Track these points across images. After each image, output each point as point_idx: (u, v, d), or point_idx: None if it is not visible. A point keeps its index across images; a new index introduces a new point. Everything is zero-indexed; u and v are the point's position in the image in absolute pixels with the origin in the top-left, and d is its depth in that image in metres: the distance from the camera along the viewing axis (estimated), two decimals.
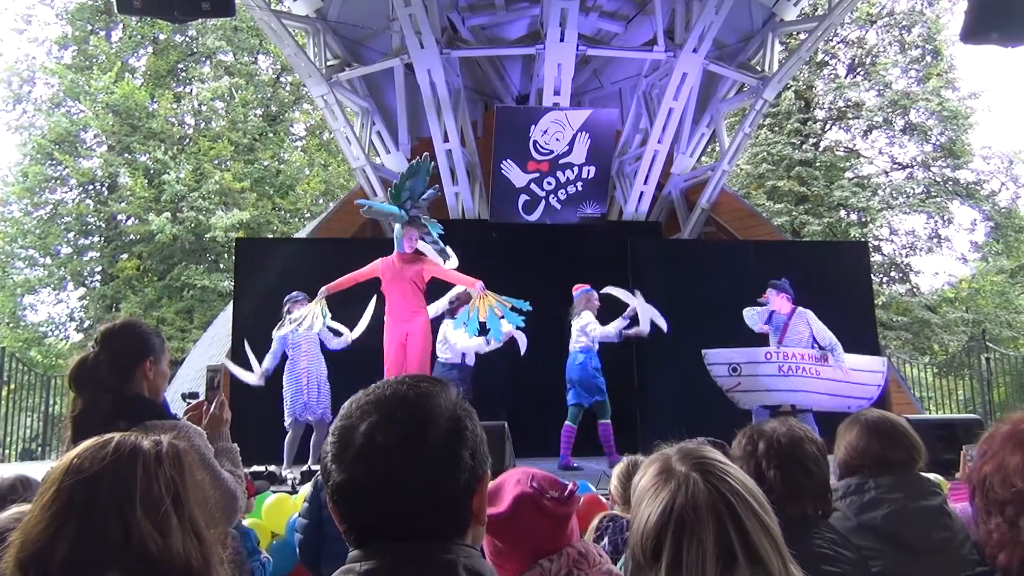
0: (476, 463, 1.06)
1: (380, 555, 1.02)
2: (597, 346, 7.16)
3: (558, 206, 10.43)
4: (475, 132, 10.87)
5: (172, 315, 18.57)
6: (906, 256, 21.83)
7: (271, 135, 21.77)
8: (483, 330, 6.82)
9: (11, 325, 19.65)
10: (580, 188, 10.40)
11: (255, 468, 5.61)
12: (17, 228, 19.40)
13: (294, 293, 6.85)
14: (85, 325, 19.94)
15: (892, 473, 2.12)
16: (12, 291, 19.47)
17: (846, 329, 7.57)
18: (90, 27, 20.89)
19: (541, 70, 10.07)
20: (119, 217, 20.14)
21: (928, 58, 21.57)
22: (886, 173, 22.12)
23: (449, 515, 1.05)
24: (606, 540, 2.66)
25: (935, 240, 21.46)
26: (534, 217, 10.40)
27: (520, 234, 10.19)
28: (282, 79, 22.80)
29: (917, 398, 12.73)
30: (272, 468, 5.98)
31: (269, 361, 6.82)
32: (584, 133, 10.10)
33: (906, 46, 21.74)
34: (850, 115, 21.72)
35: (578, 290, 7.35)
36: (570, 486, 1.67)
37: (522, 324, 6.76)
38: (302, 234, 13.70)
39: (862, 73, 21.90)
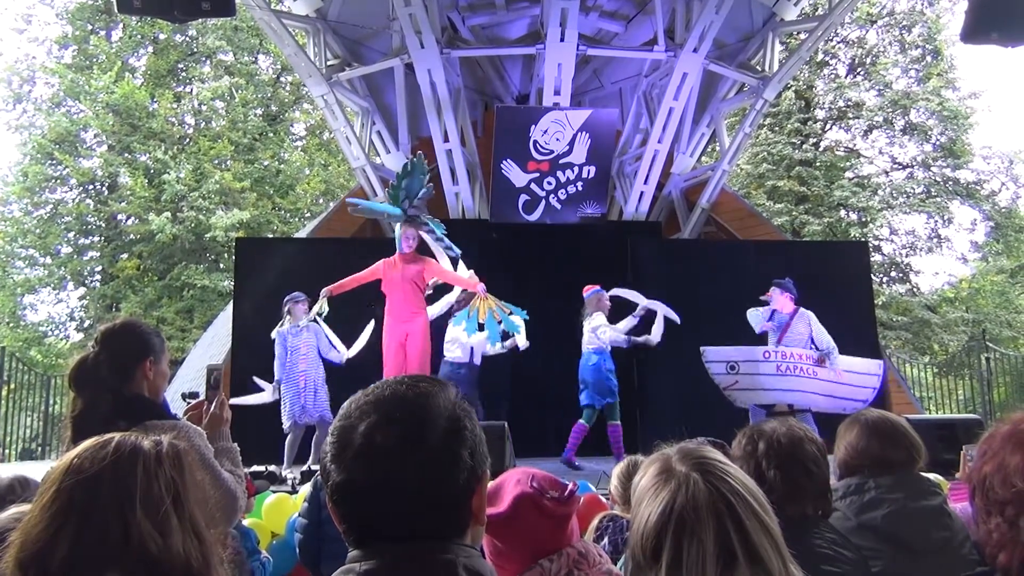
0: (475, 463, 1.06)
1: (379, 555, 1.02)
2: (610, 347, 7.14)
3: (558, 206, 10.43)
4: (475, 132, 10.87)
5: (172, 315, 18.57)
6: (906, 256, 21.85)
7: (271, 135, 21.77)
8: (481, 330, 6.83)
9: (11, 325, 19.66)
10: (580, 188, 10.40)
11: (255, 468, 5.61)
12: (17, 228, 19.40)
13: (295, 293, 6.85)
14: (85, 325, 19.95)
15: (892, 473, 2.12)
16: (12, 291, 19.48)
17: (846, 329, 7.57)
18: (90, 27, 20.89)
19: (541, 70, 10.07)
20: (119, 217, 20.14)
21: (928, 58, 21.57)
22: (886, 173, 22.13)
23: (448, 515, 1.05)
24: (606, 540, 2.66)
25: (935, 240, 21.48)
26: (534, 217, 10.40)
27: (520, 234, 10.18)
28: (282, 79, 22.80)
29: (917, 398, 12.72)
30: (272, 468, 5.99)
31: (279, 370, 6.80)
32: (584, 133, 10.10)
33: (906, 46, 21.74)
34: (850, 115, 21.72)
35: (588, 291, 7.33)
36: (570, 486, 1.67)
37: (519, 331, 6.76)
38: (302, 234, 13.69)
39: (862, 73, 21.90)
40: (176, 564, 1.11)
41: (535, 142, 10.03)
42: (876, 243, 20.74)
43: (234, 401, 6.52)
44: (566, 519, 1.64)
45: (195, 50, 21.98)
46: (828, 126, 22.32)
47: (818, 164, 20.76)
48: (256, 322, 7.96)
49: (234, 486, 2.31)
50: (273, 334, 6.81)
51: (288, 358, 6.75)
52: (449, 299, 7.20)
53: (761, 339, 7.24)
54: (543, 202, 10.38)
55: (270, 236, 19.39)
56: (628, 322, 7.11)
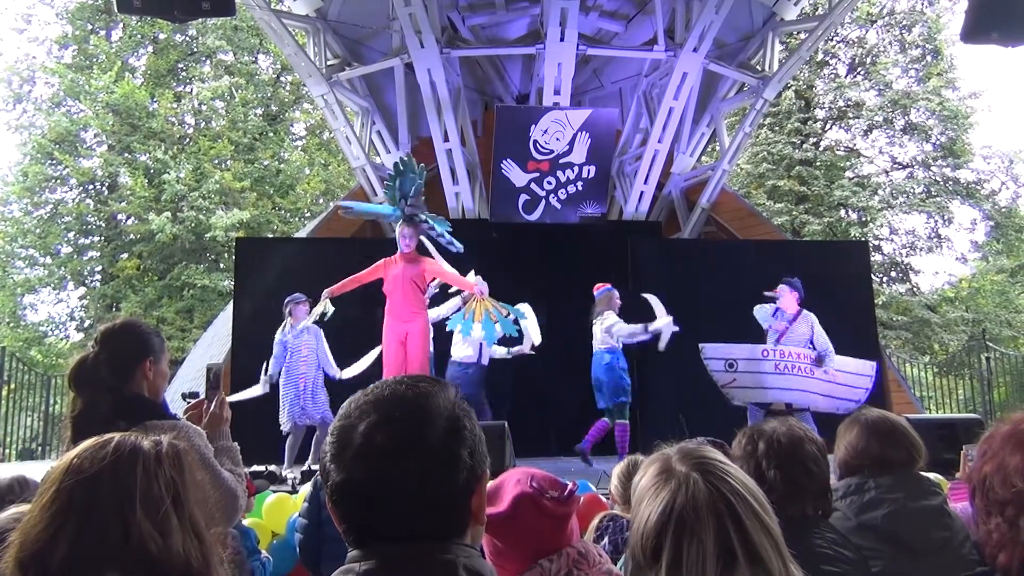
0: (475, 463, 1.06)
1: (379, 555, 1.02)
2: (622, 344, 7.12)
3: (558, 206, 10.43)
4: (475, 132, 10.87)
5: (172, 315, 18.57)
6: (906, 256, 21.84)
7: (271, 135, 21.77)
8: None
9: (11, 324, 19.66)
10: (580, 188, 10.40)
11: (255, 468, 5.61)
12: (17, 228, 19.40)
13: (295, 295, 6.83)
14: (85, 325, 19.95)
15: (892, 473, 2.11)
16: (12, 290, 19.47)
17: (846, 329, 7.57)
18: (90, 26, 20.89)
19: (541, 70, 10.07)
20: (119, 217, 20.14)
21: (928, 58, 21.57)
22: (886, 173, 22.13)
23: (448, 515, 1.04)
24: (606, 540, 2.66)
25: (935, 240, 21.48)
26: (534, 217, 10.40)
27: (520, 234, 10.19)
28: (282, 79, 22.80)
29: (917, 398, 12.72)
30: (272, 468, 5.99)
31: (273, 366, 6.78)
32: (584, 133, 10.10)
33: (906, 46, 21.74)
34: (850, 115, 21.72)
35: (599, 289, 7.31)
36: (570, 486, 1.67)
37: (516, 333, 6.75)
38: (302, 234, 13.69)
39: (862, 73, 21.90)
40: (176, 564, 1.11)
41: (535, 142, 10.04)
42: (876, 243, 20.74)
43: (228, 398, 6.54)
44: (566, 519, 1.64)
45: (195, 50, 21.98)
46: (828, 126, 22.32)
47: (818, 164, 20.76)
48: (256, 322, 7.96)
49: (234, 485, 2.31)
50: (278, 336, 6.78)
51: (288, 360, 6.75)
52: (457, 301, 7.19)
53: (760, 337, 7.23)
54: (543, 202, 10.39)
55: (270, 236, 19.39)
56: (639, 332, 7.06)
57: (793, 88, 20.33)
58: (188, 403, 2.57)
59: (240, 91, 21.41)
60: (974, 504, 1.35)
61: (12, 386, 12.73)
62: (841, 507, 2.08)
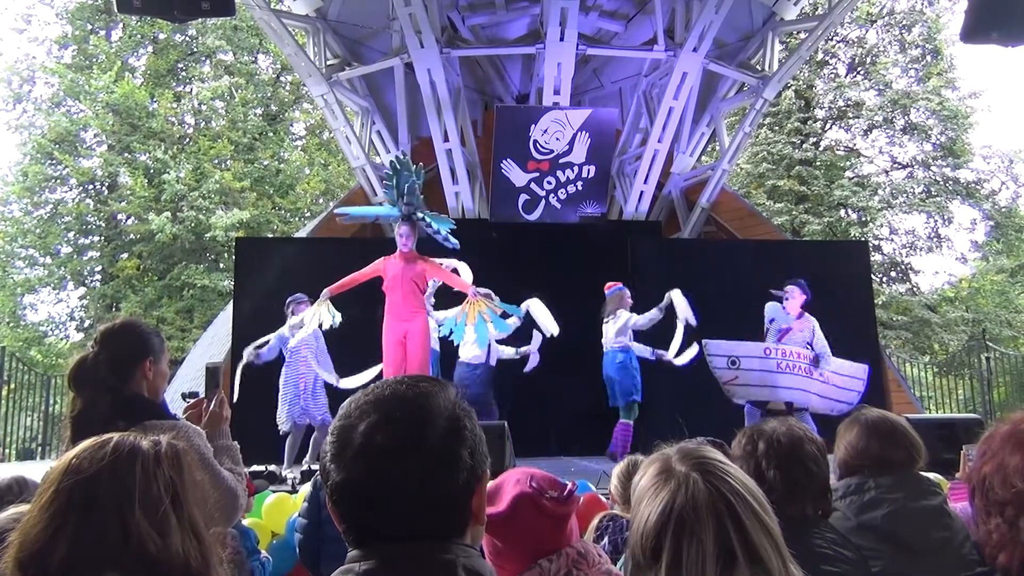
0: (475, 463, 1.06)
1: (379, 555, 1.01)
2: (632, 338, 7.13)
3: (558, 205, 10.43)
4: (475, 131, 10.87)
5: (172, 315, 18.57)
6: (906, 256, 21.84)
7: (271, 134, 21.77)
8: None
9: (11, 324, 19.66)
10: (580, 187, 10.40)
11: (255, 468, 5.61)
12: (17, 227, 19.40)
13: (297, 295, 6.81)
14: (85, 325, 19.95)
15: (892, 473, 2.11)
16: (12, 290, 19.47)
17: (846, 329, 7.57)
18: (90, 26, 20.88)
19: (541, 69, 10.07)
20: (119, 216, 20.14)
21: (928, 57, 21.57)
22: (886, 172, 22.13)
23: (448, 515, 1.04)
24: (606, 540, 2.66)
25: (935, 240, 21.48)
26: (534, 217, 10.41)
27: (520, 234, 10.19)
28: (282, 78, 22.80)
29: (917, 397, 12.72)
30: (272, 468, 5.98)
31: (265, 350, 6.76)
32: (584, 132, 10.10)
33: (906, 45, 21.74)
34: (850, 114, 21.72)
35: (611, 288, 7.31)
36: (569, 486, 1.67)
37: (509, 331, 6.73)
38: (302, 234, 13.70)
39: (862, 72, 21.90)
40: (175, 564, 1.11)
41: (535, 142, 10.04)
42: (876, 243, 20.74)
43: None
44: (565, 519, 1.64)
45: (195, 50, 21.97)
46: (828, 125, 22.32)
47: (818, 163, 20.76)
48: (256, 322, 7.94)
49: (234, 484, 2.31)
50: (285, 330, 6.73)
51: (288, 359, 6.75)
52: (513, 322, 7.17)
53: (759, 338, 7.23)
54: (543, 202, 10.39)
55: (270, 236, 19.39)
56: (655, 313, 7.07)
57: (793, 88, 20.33)
58: (188, 403, 2.57)
59: (240, 91, 21.41)
60: (974, 504, 1.35)
61: (12, 386, 12.73)
62: (841, 507, 2.08)
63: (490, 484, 1.41)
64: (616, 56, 11.23)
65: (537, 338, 7.35)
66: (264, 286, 8.75)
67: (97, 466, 1.13)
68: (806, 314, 7.11)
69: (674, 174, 11.51)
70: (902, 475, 2.12)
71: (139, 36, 21.10)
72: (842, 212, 20.93)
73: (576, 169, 10.31)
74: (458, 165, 10.34)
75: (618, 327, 7.08)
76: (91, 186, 20.46)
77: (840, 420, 2.37)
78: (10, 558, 1.09)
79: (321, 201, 21.51)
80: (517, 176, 10.20)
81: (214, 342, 11.69)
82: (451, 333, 6.61)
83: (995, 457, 1.31)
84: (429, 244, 6.79)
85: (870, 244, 16.70)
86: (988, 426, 1.39)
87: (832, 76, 22.04)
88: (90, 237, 20.49)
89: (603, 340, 7.27)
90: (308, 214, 20.73)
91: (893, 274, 22.05)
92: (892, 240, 21.84)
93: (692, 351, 7.21)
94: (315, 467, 6.00)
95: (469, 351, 7.19)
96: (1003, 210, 21.40)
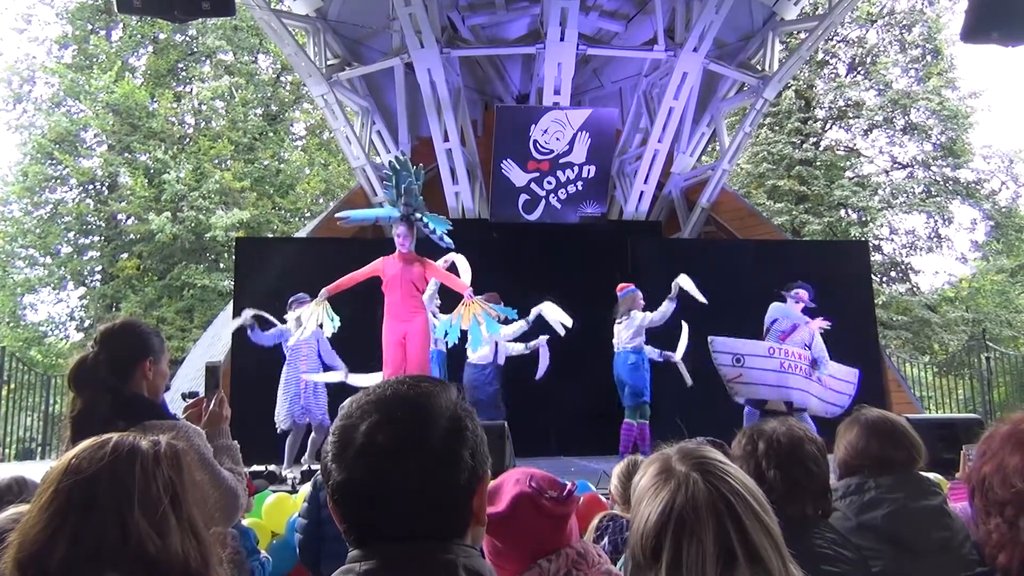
0: (476, 463, 1.06)
1: (380, 555, 1.01)
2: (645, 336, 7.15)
3: (558, 205, 10.43)
4: (475, 131, 10.87)
5: (172, 314, 18.58)
6: (906, 256, 21.84)
7: (271, 134, 21.77)
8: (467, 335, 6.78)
9: (11, 324, 19.66)
10: (580, 187, 10.40)
11: (255, 468, 5.61)
12: (17, 227, 19.40)
13: (299, 295, 6.80)
14: (85, 324, 19.95)
15: (892, 473, 2.11)
16: (12, 290, 19.48)
17: (846, 329, 7.57)
18: (90, 26, 20.89)
19: (541, 69, 10.07)
20: (119, 216, 20.15)
21: (928, 57, 21.57)
22: (886, 172, 22.13)
23: (449, 515, 1.04)
24: (606, 540, 2.66)
25: (935, 239, 21.48)
26: (534, 217, 10.41)
27: (520, 234, 10.18)
28: (282, 78, 22.80)
29: (917, 397, 12.72)
30: (272, 468, 5.98)
31: (265, 334, 6.78)
32: (584, 132, 10.10)
33: (906, 45, 21.74)
34: (850, 114, 21.72)
35: (623, 289, 7.32)
36: (569, 486, 1.67)
37: (498, 333, 6.74)
38: (302, 234, 13.70)
39: (862, 72, 21.90)
40: (174, 564, 1.11)
41: (535, 142, 10.04)
42: (876, 243, 20.74)
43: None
44: (565, 519, 1.64)
45: (195, 50, 21.98)
46: (828, 125, 22.32)
47: (818, 163, 20.76)
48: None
49: (234, 484, 2.31)
50: (289, 323, 6.73)
51: (289, 359, 6.76)
52: (519, 326, 7.18)
53: (758, 338, 7.23)
54: (543, 202, 10.39)
55: (270, 236, 19.39)
56: (667, 306, 7.07)
57: (793, 88, 20.33)
58: (188, 402, 2.56)
59: (240, 91, 21.41)
60: (974, 504, 1.35)
61: (12, 386, 12.73)
62: (841, 507, 2.08)
63: (490, 484, 1.41)
64: (616, 56, 11.24)
65: (544, 337, 7.37)
66: (264, 286, 8.74)
67: (96, 466, 1.13)
68: (807, 317, 7.13)
69: (674, 174, 11.51)
70: (902, 475, 2.12)
71: (139, 36, 21.10)
72: (842, 212, 20.93)
73: (576, 169, 10.31)
74: (458, 165, 10.34)
75: (633, 329, 7.09)
76: (91, 186, 20.47)
77: (833, 421, 2.37)
78: (9, 558, 1.09)
79: (321, 201, 21.51)
80: (517, 176, 10.20)
81: (214, 342, 11.69)
82: (446, 335, 6.62)
83: (995, 457, 1.31)
84: (426, 245, 6.79)
85: (870, 244, 16.69)
86: (988, 426, 1.39)
87: (832, 76, 22.04)
88: (90, 237, 20.49)
89: (614, 341, 7.27)
90: (308, 214, 20.73)
91: (893, 274, 22.05)
92: (892, 240, 21.87)
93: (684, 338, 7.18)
94: (315, 467, 6.00)
95: (476, 352, 7.19)
96: (1003, 210, 21.40)
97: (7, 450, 12.04)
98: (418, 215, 6.52)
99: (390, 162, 6.76)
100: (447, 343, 6.93)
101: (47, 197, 19.89)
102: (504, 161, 10.13)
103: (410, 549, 1.01)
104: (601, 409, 8.40)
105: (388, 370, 6.31)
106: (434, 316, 6.94)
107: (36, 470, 2.09)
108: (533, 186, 10.29)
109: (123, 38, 21.13)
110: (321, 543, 3.14)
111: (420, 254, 6.56)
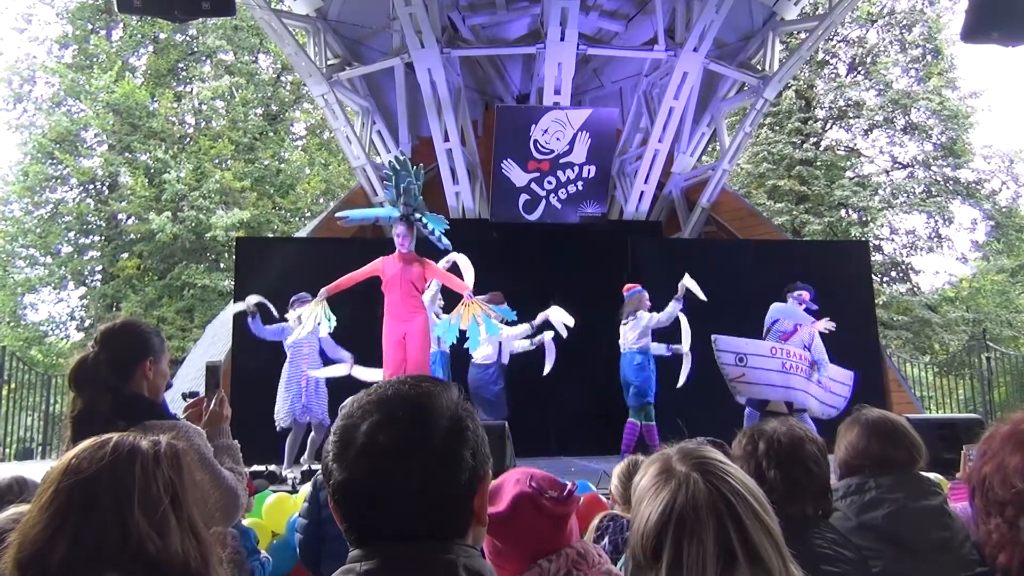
0: (477, 463, 1.06)
1: (380, 555, 1.01)
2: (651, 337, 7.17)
3: (558, 205, 10.43)
4: (475, 131, 10.87)
5: (172, 314, 18.58)
6: (906, 255, 21.83)
7: (271, 134, 21.77)
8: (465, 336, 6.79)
9: (12, 324, 19.66)
10: (580, 187, 10.40)
11: (255, 468, 5.61)
12: (18, 227, 19.41)
13: (301, 294, 6.81)
14: (86, 324, 19.95)
15: (892, 473, 2.11)
16: (13, 290, 19.48)
17: (846, 329, 7.56)
18: (90, 26, 20.89)
19: (541, 69, 10.07)
20: (119, 216, 20.15)
21: (929, 57, 21.56)
22: (887, 172, 22.13)
23: (450, 515, 1.04)
24: (606, 540, 2.66)
25: (935, 239, 21.47)
26: (534, 216, 10.40)
27: (520, 234, 10.18)
28: (282, 78, 22.80)
29: (918, 397, 12.72)
30: (272, 467, 5.98)
31: (274, 330, 6.80)
32: (584, 132, 10.10)
33: (907, 45, 21.74)
34: (851, 114, 21.71)
35: (630, 290, 7.33)
36: (569, 486, 1.67)
37: (498, 333, 6.74)
38: (302, 233, 13.70)
39: (863, 72, 21.89)
40: (174, 564, 1.11)
41: (535, 141, 10.04)
42: (876, 243, 20.73)
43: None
44: (565, 519, 1.64)
45: (195, 50, 21.98)
46: (828, 125, 22.31)
47: (818, 163, 20.76)
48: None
49: (235, 484, 2.31)
50: (290, 322, 6.74)
51: (290, 358, 6.76)
52: (523, 329, 7.19)
53: (760, 336, 7.23)
54: (543, 201, 10.39)
55: (270, 236, 19.38)
56: (673, 306, 7.08)
57: (793, 88, 20.33)
58: (188, 402, 2.56)
59: (240, 91, 21.41)
60: (974, 504, 1.35)
61: (12, 386, 12.73)
62: (841, 507, 2.08)
63: (490, 484, 1.41)
64: (616, 56, 11.23)
65: (549, 333, 7.38)
66: (264, 286, 8.70)
67: (97, 466, 1.13)
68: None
69: (674, 174, 11.51)
70: (902, 475, 2.12)
71: (139, 36, 21.11)
72: (842, 212, 20.93)
73: (576, 169, 10.31)
74: (458, 165, 10.33)
75: (639, 329, 7.09)
76: (91, 186, 20.47)
77: (833, 422, 2.37)
78: (10, 558, 1.09)
79: (321, 201, 21.51)
80: (517, 176, 10.20)
81: (214, 342, 11.69)
82: (441, 337, 6.63)
83: (995, 457, 1.31)
84: (427, 245, 6.79)
85: (870, 244, 16.68)
86: (988, 426, 1.39)
87: (832, 76, 22.03)
88: (90, 237, 20.49)
89: (620, 342, 7.27)
90: (308, 214, 20.73)
91: (893, 274, 22.05)
92: (892, 240, 21.86)
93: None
94: (315, 467, 6.00)
95: (480, 352, 7.19)
96: (1003, 210, 21.40)
97: (7, 450, 12.03)
98: (418, 215, 6.52)
99: (390, 162, 6.76)
100: (446, 343, 6.94)
101: (47, 197, 19.89)
102: (504, 161, 10.13)
103: (411, 549, 1.01)
104: (601, 409, 8.41)
105: (388, 370, 6.31)
106: (437, 317, 6.94)
107: (36, 470, 2.09)
108: (533, 186, 10.29)
109: (123, 38, 21.13)
110: (321, 543, 3.14)
111: (420, 254, 6.56)
